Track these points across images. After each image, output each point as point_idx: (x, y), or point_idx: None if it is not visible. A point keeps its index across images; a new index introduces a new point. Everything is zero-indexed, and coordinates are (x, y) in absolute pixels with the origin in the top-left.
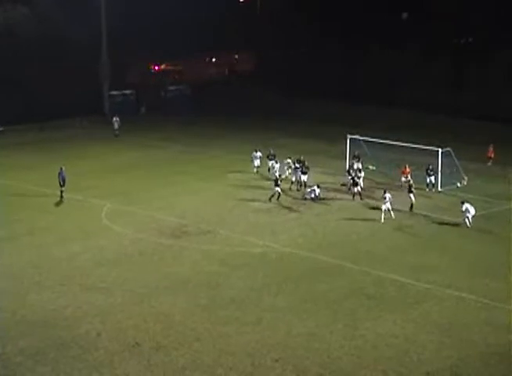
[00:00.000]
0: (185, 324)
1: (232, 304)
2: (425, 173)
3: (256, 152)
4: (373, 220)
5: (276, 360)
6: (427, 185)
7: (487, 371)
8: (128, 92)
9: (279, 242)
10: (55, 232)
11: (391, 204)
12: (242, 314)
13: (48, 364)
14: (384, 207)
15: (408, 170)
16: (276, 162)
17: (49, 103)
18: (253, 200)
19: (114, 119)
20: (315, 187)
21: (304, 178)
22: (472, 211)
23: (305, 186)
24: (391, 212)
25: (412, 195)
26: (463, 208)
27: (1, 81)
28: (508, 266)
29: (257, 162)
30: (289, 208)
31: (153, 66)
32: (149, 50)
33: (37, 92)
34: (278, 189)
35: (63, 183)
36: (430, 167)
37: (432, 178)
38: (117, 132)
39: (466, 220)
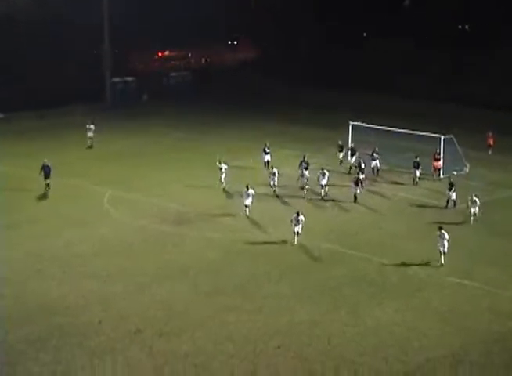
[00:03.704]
0: (186, 311)
1: (234, 291)
2: (412, 165)
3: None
4: (374, 208)
5: (278, 347)
6: (413, 179)
7: (488, 358)
8: (129, 78)
9: (281, 230)
10: (57, 219)
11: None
12: (244, 301)
13: (50, 352)
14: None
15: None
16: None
17: (50, 90)
18: (253, 188)
19: (88, 126)
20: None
21: (306, 172)
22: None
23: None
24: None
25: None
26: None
27: (1, 68)
28: (509, 254)
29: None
30: (290, 197)
31: (157, 53)
32: (150, 37)
33: (38, 79)
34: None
35: (48, 176)
36: (418, 159)
37: (417, 171)
38: (90, 142)
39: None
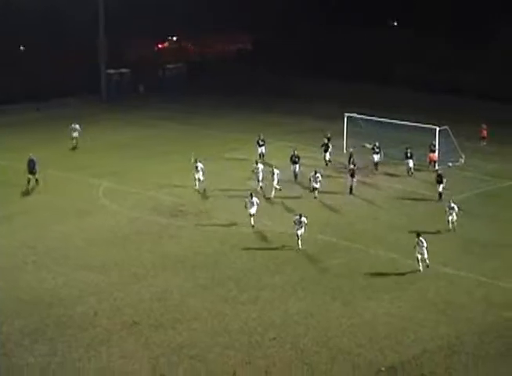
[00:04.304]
0: (182, 303)
1: (230, 283)
2: (404, 156)
3: (197, 162)
4: (370, 199)
5: (274, 339)
6: (408, 171)
7: (483, 349)
8: (125, 70)
9: (277, 222)
10: (52, 211)
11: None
12: (239, 293)
13: (46, 343)
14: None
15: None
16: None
17: (46, 82)
18: (249, 180)
19: (73, 126)
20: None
21: (296, 166)
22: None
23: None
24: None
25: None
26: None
27: None
28: (504, 244)
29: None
30: (286, 189)
31: (156, 44)
32: (146, 28)
33: (34, 71)
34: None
35: (32, 170)
36: (409, 150)
37: (411, 162)
38: (74, 142)
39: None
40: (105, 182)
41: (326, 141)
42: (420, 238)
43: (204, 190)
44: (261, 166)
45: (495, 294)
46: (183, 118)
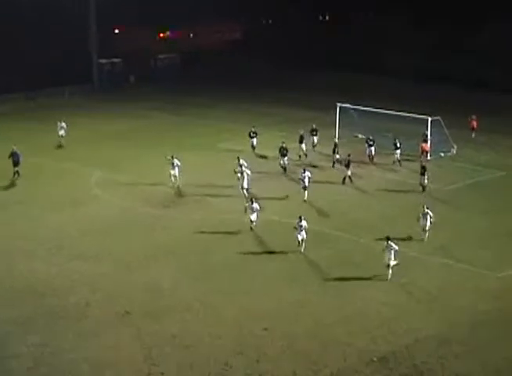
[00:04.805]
0: (174, 293)
1: (222, 273)
2: (393, 147)
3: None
4: (361, 189)
5: (265, 329)
6: (395, 161)
7: (475, 338)
8: (116, 60)
9: (268, 211)
10: (45, 201)
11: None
12: (231, 283)
13: (38, 333)
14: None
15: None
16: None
17: (37, 71)
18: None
19: (59, 124)
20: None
21: (285, 159)
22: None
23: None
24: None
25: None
26: None
27: None
28: (495, 234)
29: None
30: (278, 177)
31: (158, 34)
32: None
33: (25, 60)
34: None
35: (17, 163)
36: (397, 141)
37: (398, 151)
38: (61, 141)
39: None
40: (97, 172)
41: (301, 132)
42: (389, 242)
43: (178, 187)
44: (244, 162)
45: (486, 284)
46: (175, 109)
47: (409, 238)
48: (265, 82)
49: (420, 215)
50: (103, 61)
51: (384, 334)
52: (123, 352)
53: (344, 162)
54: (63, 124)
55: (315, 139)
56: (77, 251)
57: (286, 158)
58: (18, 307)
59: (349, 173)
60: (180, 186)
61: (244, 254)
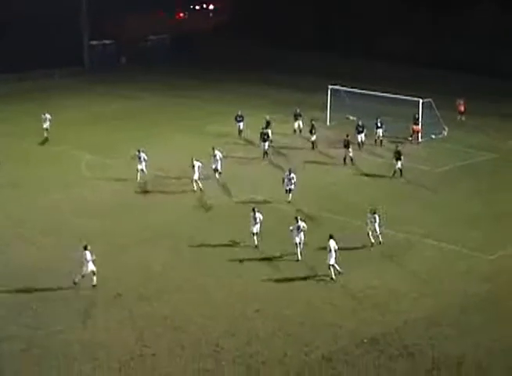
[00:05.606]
0: (166, 275)
1: (213, 255)
2: (375, 127)
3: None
4: (353, 172)
5: (257, 311)
6: (375, 140)
7: (465, 320)
8: (107, 41)
9: (259, 193)
10: (36, 184)
11: None
12: (223, 265)
13: (31, 316)
14: None
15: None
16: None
17: (28, 53)
18: (232, 152)
19: (44, 116)
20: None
21: (266, 144)
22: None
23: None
24: None
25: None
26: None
27: None
28: (486, 216)
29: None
30: (267, 161)
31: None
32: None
33: (16, 42)
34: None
35: None
36: (379, 120)
37: (380, 131)
38: (45, 133)
39: None
40: (88, 155)
41: (298, 110)
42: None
43: (145, 183)
44: (218, 153)
45: (477, 266)
46: (166, 90)
47: (401, 223)
48: (254, 63)
49: (368, 221)
50: (95, 43)
51: (375, 316)
52: (115, 333)
53: (343, 143)
54: (48, 115)
55: (300, 123)
56: (68, 233)
57: (267, 143)
58: (11, 290)
59: (350, 154)
60: (146, 181)
61: (235, 236)
